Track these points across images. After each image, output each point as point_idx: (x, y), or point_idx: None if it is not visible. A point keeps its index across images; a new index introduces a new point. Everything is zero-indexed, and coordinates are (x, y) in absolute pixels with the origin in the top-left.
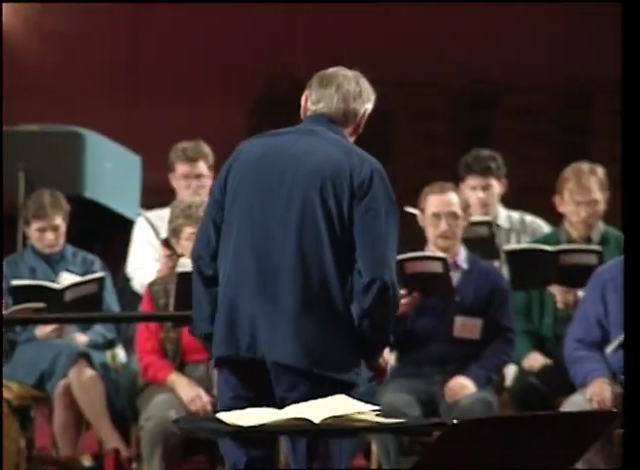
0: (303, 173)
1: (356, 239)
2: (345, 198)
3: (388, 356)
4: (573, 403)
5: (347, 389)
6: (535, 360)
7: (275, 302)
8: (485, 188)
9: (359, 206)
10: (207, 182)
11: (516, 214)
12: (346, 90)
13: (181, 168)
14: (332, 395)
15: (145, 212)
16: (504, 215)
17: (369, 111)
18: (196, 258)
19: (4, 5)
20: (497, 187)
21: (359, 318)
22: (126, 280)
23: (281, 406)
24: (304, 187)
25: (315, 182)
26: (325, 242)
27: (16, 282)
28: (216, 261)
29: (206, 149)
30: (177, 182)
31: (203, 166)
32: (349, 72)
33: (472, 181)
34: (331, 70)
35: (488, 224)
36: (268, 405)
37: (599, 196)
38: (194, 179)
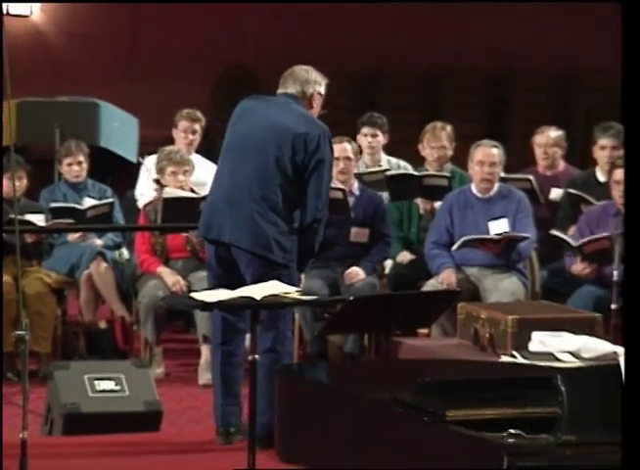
0: (274, 128)
1: (308, 177)
2: (301, 149)
3: None
4: (430, 285)
5: (282, 268)
6: (405, 257)
7: (238, 206)
8: (374, 136)
9: (313, 157)
10: (198, 139)
11: (393, 159)
12: (301, 77)
13: (183, 125)
14: (273, 271)
15: (145, 158)
16: (385, 159)
17: (319, 92)
18: None
19: (39, 11)
20: (381, 137)
21: (300, 238)
22: (132, 201)
23: (242, 282)
24: (273, 137)
25: (282, 135)
26: (279, 173)
27: (53, 204)
28: None
29: (202, 116)
30: (178, 134)
31: (197, 127)
32: (305, 66)
33: (364, 130)
34: (294, 66)
35: (381, 172)
36: (233, 281)
37: (447, 144)
38: (190, 134)
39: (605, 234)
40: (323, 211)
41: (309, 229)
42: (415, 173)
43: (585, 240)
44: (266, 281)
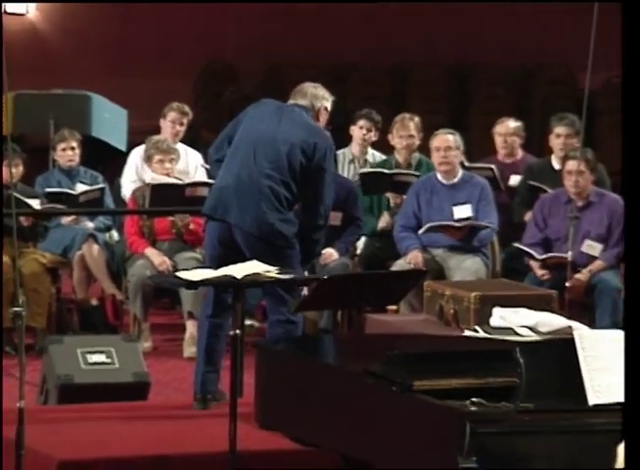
0: (289, 132)
1: (311, 182)
2: (310, 155)
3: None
4: (399, 265)
5: (281, 250)
6: (386, 220)
7: (247, 194)
8: (369, 130)
9: (318, 165)
10: (183, 131)
11: (377, 153)
12: (310, 92)
13: (172, 116)
14: (272, 253)
15: (135, 150)
16: (370, 153)
17: (325, 107)
18: (212, 162)
19: (34, 10)
20: (374, 133)
21: (303, 244)
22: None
23: (240, 260)
24: (287, 140)
25: (295, 139)
26: (288, 172)
27: (48, 189)
28: (221, 163)
29: (189, 110)
30: (165, 124)
31: (185, 120)
32: (314, 83)
33: (361, 123)
34: (304, 83)
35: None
36: (230, 258)
37: (415, 134)
38: (178, 125)
39: (565, 255)
40: (325, 217)
41: (311, 238)
42: (386, 171)
43: (546, 256)
44: (265, 261)
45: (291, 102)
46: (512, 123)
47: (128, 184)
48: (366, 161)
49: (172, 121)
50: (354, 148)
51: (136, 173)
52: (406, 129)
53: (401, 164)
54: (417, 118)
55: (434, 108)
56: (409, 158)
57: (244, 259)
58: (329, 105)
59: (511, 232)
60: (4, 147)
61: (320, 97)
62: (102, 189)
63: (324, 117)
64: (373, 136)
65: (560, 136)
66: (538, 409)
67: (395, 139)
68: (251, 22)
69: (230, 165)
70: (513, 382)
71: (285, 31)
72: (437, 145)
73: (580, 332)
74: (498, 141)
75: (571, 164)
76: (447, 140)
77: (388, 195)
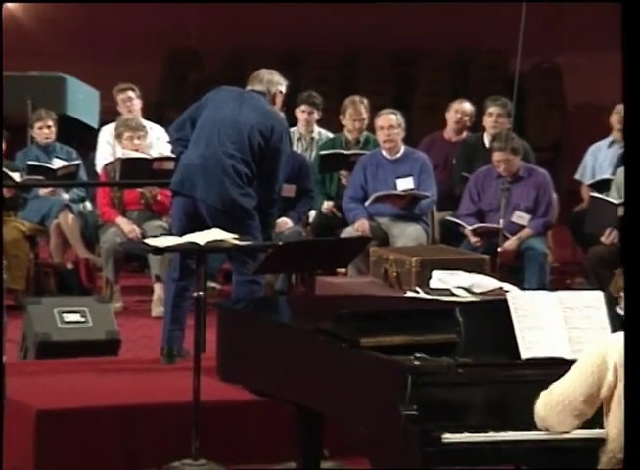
0: (249, 115)
1: (267, 161)
2: (267, 138)
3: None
4: (347, 232)
5: (241, 222)
6: (327, 209)
7: (211, 171)
8: (310, 113)
9: (273, 147)
10: (136, 102)
11: (323, 131)
12: (266, 78)
13: (120, 96)
14: (233, 224)
15: (104, 128)
16: (317, 131)
17: (280, 91)
18: (173, 141)
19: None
20: (316, 114)
21: (260, 210)
22: (94, 161)
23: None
24: (247, 122)
25: (254, 122)
26: (248, 152)
27: (31, 162)
28: (181, 141)
29: (133, 86)
30: (119, 103)
31: (132, 94)
32: (269, 70)
33: (303, 107)
34: (260, 69)
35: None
36: (196, 230)
37: (365, 115)
38: (128, 101)
39: (490, 225)
40: (278, 193)
41: (267, 211)
42: (345, 152)
43: (476, 226)
44: (228, 232)
45: (249, 88)
46: (468, 105)
47: (102, 161)
48: (312, 138)
49: (123, 100)
50: (301, 129)
51: (111, 149)
52: (358, 113)
53: (351, 142)
54: (365, 100)
55: (381, 90)
56: (359, 136)
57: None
58: (283, 89)
59: (449, 204)
60: None
61: (275, 82)
62: (77, 164)
63: (279, 100)
64: (316, 116)
65: (492, 115)
66: (475, 364)
67: (347, 120)
68: (214, 11)
69: (196, 145)
70: (452, 339)
71: (244, 20)
72: (381, 124)
73: (512, 293)
74: (452, 120)
75: (498, 155)
76: (390, 119)
77: (342, 173)
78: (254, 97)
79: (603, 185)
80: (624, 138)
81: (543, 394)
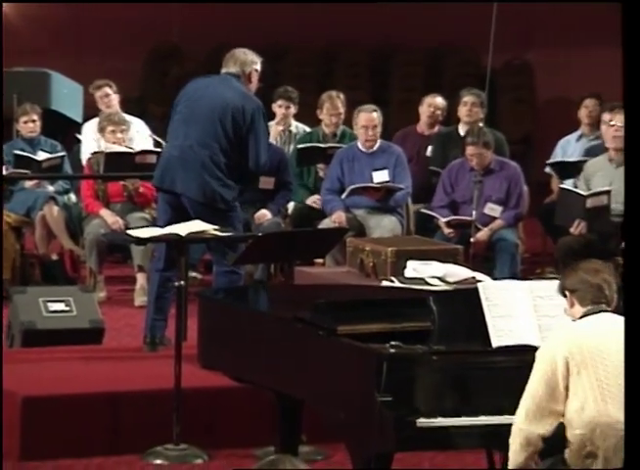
0: (219, 101)
1: (247, 141)
2: (239, 119)
3: None
4: (324, 224)
5: (223, 213)
6: (313, 202)
7: (189, 164)
8: (287, 108)
9: (248, 126)
10: (113, 97)
11: (300, 125)
12: (240, 58)
13: (97, 93)
14: (215, 216)
15: (88, 122)
16: (294, 125)
17: (255, 70)
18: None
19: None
20: (293, 109)
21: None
22: (78, 154)
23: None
24: (218, 109)
25: (225, 107)
26: (224, 138)
27: (17, 152)
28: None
29: (110, 82)
30: (97, 100)
31: (109, 90)
32: (243, 49)
33: (280, 102)
34: (234, 49)
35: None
36: (180, 222)
37: (341, 109)
38: (105, 97)
39: (465, 217)
40: (262, 166)
41: (249, 180)
42: (322, 146)
43: (450, 218)
44: (210, 223)
45: (223, 70)
46: (440, 100)
47: (87, 155)
48: (290, 132)
49: (100, 97)
50: (278, 122)
51: (96, 144)
52: (335, 108)
53: (328, 136)
54: (342, 95)
55: (358, 85)
56: (335, 130)
57: None
58: (258, 66)
59: (423, 196)
60: None
61: (249, 62)
62: (62, 157)
63: (255, 79)
64: (293, 110)
65: (467, 104)
66: (449, 351)
67: (324, 115)
68: (196, 7)
69: (174, 138)
70: (427, 327)
71: (226, 16)
72: (365, 124)
73: (484, 283)
74: (425, 114)
75: (471, 149)
76: (373, 119)
77: (319, 166)
78: (227, 79)
79: (563, 168)
80: (625, 138)
81: (517, 414)
